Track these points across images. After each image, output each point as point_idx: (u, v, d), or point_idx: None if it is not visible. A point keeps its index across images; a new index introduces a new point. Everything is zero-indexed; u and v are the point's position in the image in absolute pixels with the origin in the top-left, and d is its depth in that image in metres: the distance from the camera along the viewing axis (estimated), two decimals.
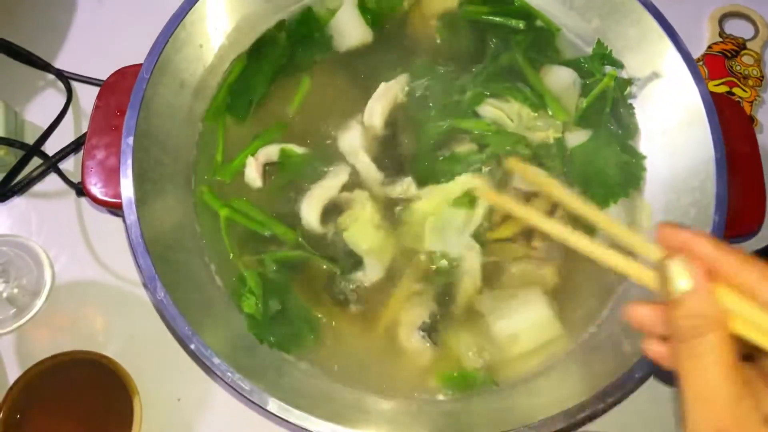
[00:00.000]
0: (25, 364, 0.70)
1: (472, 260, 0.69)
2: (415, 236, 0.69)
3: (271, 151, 0.72)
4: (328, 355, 0.66)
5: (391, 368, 0.66)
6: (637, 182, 0.72)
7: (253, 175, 0.71)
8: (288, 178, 0.71)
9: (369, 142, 0.72)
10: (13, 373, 0.71)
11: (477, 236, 0.69)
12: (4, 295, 0.75)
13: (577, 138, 0.73)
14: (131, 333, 0.75)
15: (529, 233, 0.70)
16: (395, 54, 0.76)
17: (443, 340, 0.67)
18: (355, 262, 0.68)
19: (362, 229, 0.68)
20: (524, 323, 0.67)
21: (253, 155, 0.71)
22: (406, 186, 0.71)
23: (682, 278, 0.37)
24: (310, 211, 0.69)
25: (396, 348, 0.67)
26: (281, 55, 0.76)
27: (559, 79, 0.75)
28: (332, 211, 0.70)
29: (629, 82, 0.74)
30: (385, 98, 0.73)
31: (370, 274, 0.68)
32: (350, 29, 0.77)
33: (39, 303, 0.75)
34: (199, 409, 0.72)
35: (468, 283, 0.68)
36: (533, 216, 0.49)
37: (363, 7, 0.78)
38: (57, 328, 0.76)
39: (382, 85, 0.74)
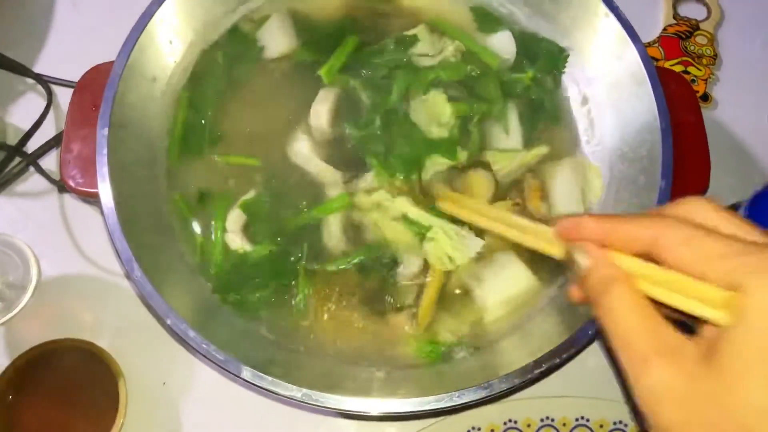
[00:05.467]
0: (13, 355, 0.72)
1: None
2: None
3: (236, 215, 0.72)
4: (303, 326, 0.69)
5: (371, 341, 0.69)
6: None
7: (238, 243, 0.71)
8: (271, 227, 0.72)
9: (319, 146, 0.75)
10: (2, 364, 0.73)
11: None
12: None
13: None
14: (117, 322, 0.78)
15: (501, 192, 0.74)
16: (326, 56, 0.78)
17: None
18: (389, 261, 0.71)
19: (391, 231, 0.71)
20: (505, 287, 0.70)
21: (223, 231, 0.71)
22: (369, 181, 0.73)
23: (582, 259, 0.42)
24: (336, 239, 0.71)
25: (380, 321, 0.70)
26: (221, 76, 0.78)
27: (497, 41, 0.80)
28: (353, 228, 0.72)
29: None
30: (326, 100, 0.75)
31: (414, 266, 0.71)
32: (278, 38, 0.79)
33: (26, 297, 0.78)
34: (184, 391, 0.75)
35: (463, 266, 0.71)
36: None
37: (293, 14, 0.81)
38: (44, 320, 0.78)
39: (322, 91, 0.76)
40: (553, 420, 0.73)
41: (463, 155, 0.74)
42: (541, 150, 0.76)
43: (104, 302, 0.79)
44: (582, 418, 0.73)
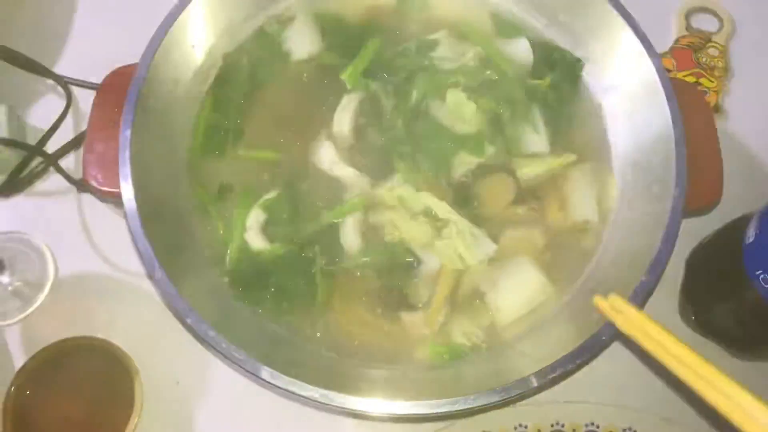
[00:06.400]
0: (30, 352, 0.73)
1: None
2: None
3: (257, 215, 0.73)
4: (320, 327, 0.70)
5: (387, 341, 0.70)
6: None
7: (257, 243, 0.73)
8: (290, 227, 0.73)
9: (344, 151, 0.76)
10: (19, 360, 0.75)
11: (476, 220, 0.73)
12: (10, 288, 0.79)
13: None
14: (131, 321, 0.79)
15: (521, 197, 0.76)
16: (349, 59, 0.80)
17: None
18: (406, 261, 0.72)
19: (409, 230, 0.72)
20: (519, 292, 0.71)
21: (244, 230, 0.73)
22: (396, 182, 0.74)
23: None
24: (352, 239, 0.72)
25: (395, 322, 0.71)
26: (246, 79, 0.79)
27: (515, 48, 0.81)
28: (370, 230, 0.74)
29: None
30: (349, 108, 0.77)
31: (432, 264, 0.72)
32: (303, 40, 0.81)
33: (42, 295, 0.79)
34: (197, 391, 0.76)
35: (478, 269, 0.73)
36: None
37: (318, 17, 0.82)
38: (60, 318, 0.79)
39: (345, 97, 0.78)
40: (562, 426, 0.73)
41: (490, 150, 0.76)
42: (569, 158, 0.77)
43: (119, 301, 0.80)
44: (591, 424, 0.73)
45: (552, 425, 0.73)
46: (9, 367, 0.75)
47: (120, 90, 0.69)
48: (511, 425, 0.73)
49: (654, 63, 0.73)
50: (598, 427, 0.73)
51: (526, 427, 0.73)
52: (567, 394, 0.75)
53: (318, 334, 0.69)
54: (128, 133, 0.67)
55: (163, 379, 0.76)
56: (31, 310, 0.78)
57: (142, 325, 0.78)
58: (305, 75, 0.80)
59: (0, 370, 0.75)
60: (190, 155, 0.75)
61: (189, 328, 0.62)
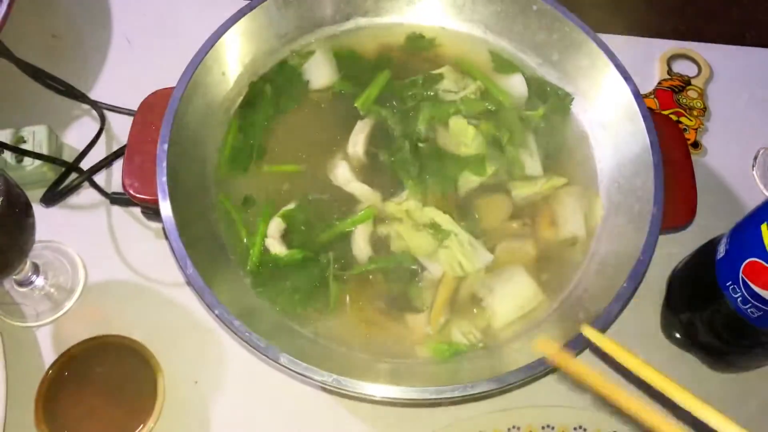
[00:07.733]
0: (59, 350, 0.79)
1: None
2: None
3: (277, 223, 0.79)
4: (332, 324, 0.77)
5: (393, 339, 0.76)
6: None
7: (277, 248, 0.78)
8: (306, 235, 0.79)
9: (357, 169, 0.84)
10: (49, 358, 0.80)
11: (475, 233, 0.80)
12: (43, 292, 0.85)
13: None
14: (154, 325, 0.84)
15: (516, 213, 0.83)
16: (362, 89, 0.88)
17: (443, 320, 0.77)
18: (411, 268, 0.79)
19: (413, 240, 0.79)
20: (513, 297, 0.77)
21: (265, 237, 0.79)
22: (405, 197, 0.82)
23: None
24: (362, 247, 0.79)
25: (401, 322, 0.77)
26: (269, 105, 0.87)
27: (511, 83, 0.90)
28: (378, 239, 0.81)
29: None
30: (363, 131, 0.85)
31: (434, 271, 0.78)
32: (321, 71, 0.90)
33: (73, 299, 0.85)
34: (213, 390, 0.81)
35: (476, 277, 0.79)
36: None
37: (335, 52, 0.91)
38: (89, 320, 0.84)
39: (359, 122, 0.86)
40: (553, 428, 0.78)
41: (490, 170, 0.83)
42: (560, 181, 0.84)
43: (143, 306, 0.86)
44: (580, 427, 0.79)
45: (543, 427, 0.79)
46: (39, 364, 0.81)
47: (158, 109, 0.77)
48: (505, 427, 0.78)
49: (635, 98, 0.81)
50: (585, 430, 0.79)
51: (519, 428, 0.78)
52: (558, 399, 0.81)
53: (330, 331, 0.76)
54: (165, 146, 0.74)
55: (182, 378, 0.81)
56: (62, 312, 0.84)
57: (164, 329, 0.84)
58: (323, 102, 0.89)
59: (31, 366, 0.80)
60: (216, 171, 0.83)
61: (217, 318, 0.67)
